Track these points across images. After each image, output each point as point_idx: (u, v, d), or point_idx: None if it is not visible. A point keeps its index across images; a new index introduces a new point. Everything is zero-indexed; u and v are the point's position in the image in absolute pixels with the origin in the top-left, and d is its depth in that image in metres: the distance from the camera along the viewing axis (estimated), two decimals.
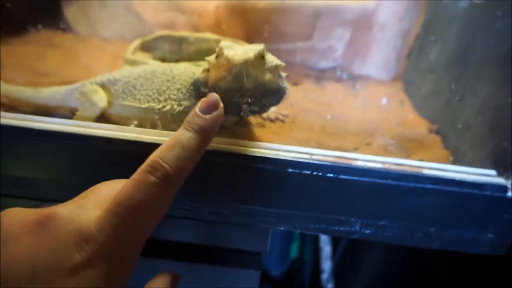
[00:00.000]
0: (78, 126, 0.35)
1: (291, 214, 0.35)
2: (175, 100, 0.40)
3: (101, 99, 0.42)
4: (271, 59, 0.34)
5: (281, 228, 0.36)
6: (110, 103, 0.42)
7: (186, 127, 0.27)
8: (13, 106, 0.44)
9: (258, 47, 0.32)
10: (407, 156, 0.44)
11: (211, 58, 0.34)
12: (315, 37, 0.61)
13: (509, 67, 0.39)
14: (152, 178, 0.24)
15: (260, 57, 0.32)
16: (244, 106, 0.34)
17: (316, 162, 0.34)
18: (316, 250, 0.94)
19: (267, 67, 0.33)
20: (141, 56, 0.56)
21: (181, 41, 0.58)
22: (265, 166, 0.34)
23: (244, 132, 0.43)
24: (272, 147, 0.35)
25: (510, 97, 0.38)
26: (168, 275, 0.28)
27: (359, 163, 0.35)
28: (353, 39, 0.62)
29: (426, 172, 0.35)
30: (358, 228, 0.36)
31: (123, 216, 0.23)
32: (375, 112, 0.55)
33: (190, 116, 0.27)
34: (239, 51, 0.32)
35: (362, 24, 0.61)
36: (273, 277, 0.92)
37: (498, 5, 0.41)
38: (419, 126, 0.52)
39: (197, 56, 0.55)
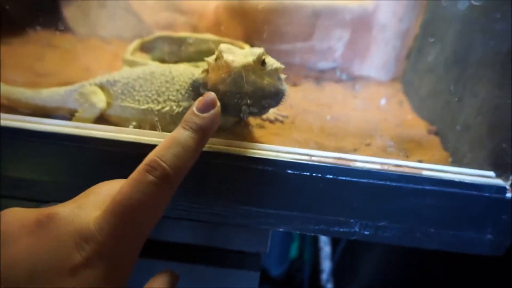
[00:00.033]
0: (77, 127, 0.36)
1: (290, 215, 0.35)
2: (174, 101, 0.40)
3: (100, 100, 0.42)
4: (271, 62, 0.34)
5: (281, 229, 0.36)
6: (109, 104, 0.42)
7: (184, 126, 0.27)
8: (13, 107, 0.44)
9: (257, 51, 0.32)
10: (406, 157, 0.44)
11: (211, 59, 0.34)
12: (315, 38, 0.61)
13: (508, 68, 0.39)
14: (150, 177, 0.24)
15: (259, 61, 0.32)
16: (243, 108, 0.34)
17: (316, 163, 0.34)
18: (316, 250, 0.94)
19: (266, 71, 0.33)
20: (140, 57, 0.56)
21: (180, 41, 0.58)
22: (264, 168, 0.34)
23: (244, 133, 0.43)
24: (272, 148, 0.35)
25: (509, 98, 0.38)
26: (167, 275, 0.28)
27: (358, 165, 0.35)
28: (352, 40, 0.62)
29: (425, 173, 0.35)
30: (357, 229, 0.36)
31: (122, 215, 0.23)
32: (375, 112, 0.55)
33: (188, 115, 0.27)
34: (238, 55, 0.32)
35: (361, 24, 0.61)
36: (272, 277, 0.92)
37: (497, 6, 0.41)
38: (418, 126, 0.52)
39: (196, 56, 0.55)
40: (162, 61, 0.54)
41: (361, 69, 0.64)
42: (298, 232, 0.36)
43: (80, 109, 0.42)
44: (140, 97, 0.41)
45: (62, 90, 0.44)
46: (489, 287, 0.46)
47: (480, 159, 0.40)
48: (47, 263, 0.21)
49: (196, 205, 0.35)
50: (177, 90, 0.40)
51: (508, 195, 0.34)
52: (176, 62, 0.53)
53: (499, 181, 0.35)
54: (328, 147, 0.44)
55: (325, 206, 0.35)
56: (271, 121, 0.47)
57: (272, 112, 0.48)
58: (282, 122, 0.48)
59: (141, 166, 0.24)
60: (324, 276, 0.88)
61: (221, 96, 0.31)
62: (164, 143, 0.26)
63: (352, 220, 0.35)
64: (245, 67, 0.31)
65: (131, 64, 0.51)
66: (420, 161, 0.40)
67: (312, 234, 0.36)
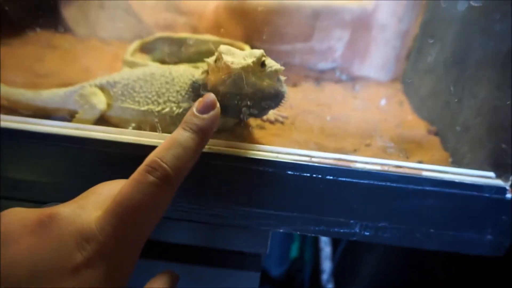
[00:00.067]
0: (77, 129, 0.36)
1: (291, 216, 0.35)
2: (174, 102, 0.40)
3: (100, 101, 0.42)
4: (271, 64, 0.34)
5: (281, 230, 0.36)
6: (109, 105, 0.42)
7: (184, 127, 0.27)
8: (13, 109, 0.44)
9: (257, 53, 0.32)
10: (406, 157, 0.44)
11: (211, 60, 0.34)
12: (315, 38, 0.61)
13: (508, 69, 0.39)
14: (151, 178, 0.24)
15: (259, 63, 0.32)
16: (243, 109, 0.34)
17: (316, 164, 0.34)
18: (316, 250, 0.94)
19: (266, 73, 0.33)
20: (140, 58, 0.56)
21: (180, 42, 0.58)
22: (265, 169, 0.34)
23: (244, 134, 0.43)
24: (272, 149, 0.35)
25: (509, 99, 0.38)
26: (167, 276, 0.28)
27: (358, 166, 0.35)
28: (352, 40, 0.62)
29: (425, 174, 0.35)
30: (357, 230, 0.36)
31: (122, 216, 0.23)
32: (375, 113, 0.55)
33: (188, 116, 0.27)
34: (238, 57, 0.32)
35: (361, 25, 0.61)
36: (273, 277, 0.92)
37: (497, 6, 0.41)
38: (418, 127, 0.52)
39: (196, 57, 0.55)
40: (162, 62, 0.54)
41: (361, 69, 0.64)
42: (298, 233, 0.37)
43: (80, 111, 0.42)
44: (140, 98, 0.41)
45: (62, 91, 0.44)
46: (489, 287, 0.46)
47: (480, 159, 0.40)
48: (48, 263, 0.22)
49: (196, 206, 0.35)
50: (177, 91, 0.40)
51: (508, 195, 0.34)
52: (176, 63, 0.53)
53: (499, 182, 0.35)
54: (328, 147, 0.44)
55: (325, 207, 0.35)
56: (271, 122, 0.47)
57: (272, 113, 0.48)
58: (282, 122, 0.48)
59: (141, 167, 0.24)
60: (325, 276, 0.88)
61: (221, 97, 0.31)
62: (164, 144, 0.26)
63: (352, 221, 0.35)
64: (245, 69, 0.31)
65: (131, 65, 0.51)
66: (420, 162, 0.40)
67: (313, 235, 0.36)
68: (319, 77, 0.63)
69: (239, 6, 0.60)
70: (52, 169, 0.36)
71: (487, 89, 0.43)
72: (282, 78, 0.36)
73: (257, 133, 0.44)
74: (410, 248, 0.36)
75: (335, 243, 0.91)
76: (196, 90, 0.37)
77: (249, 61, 0.31)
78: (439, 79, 0.53)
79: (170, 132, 0.28)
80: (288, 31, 0.60)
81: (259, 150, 0.35)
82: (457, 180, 0.35)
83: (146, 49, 0.59)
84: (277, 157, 0.34)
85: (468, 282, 0.48)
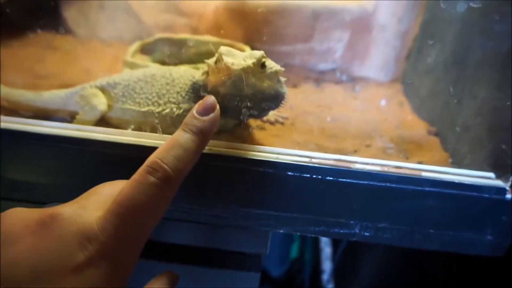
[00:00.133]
0: (78, 130, 0.36)
1: (291, 217, 0.35)
2: (174, 103, 0.40)
3: (101, 102, 0.42)
4: (271, 65, 0.34)
5: (281, 231, 0.36)
6: (110, 106, 0.42)
7: (184, 128, 0.27)
8: (13, 110, 0.45)
9: (257, 54, 0.32)
10: (406, 158, 0.44)
11: (211, 61, 0.34)
12: (315, 39, 0.61)
13: (508, 69, 0.39)
14: (151, 179, 0.24)
15: (259, 64, 0.32)
16: (243, 110, 0.34)
17: (316, 165, 0.34)
18: (317, 250, 0.95)
19: (266, 74, 0.33)
20: (141, 59, 0.56)
21: (180, 43, 0.58)
22: (265, 169, 0.34)
23: (244, 134, 0.43)
24: (272, 150, 0.35)
25: (508, 99, 0.38)
26: (167, 276, 0.28)
27: (358, 166, 0.35)
28: (352, 41, 0.62)
29: (425, 174, 0.35)
30: (357, 231, 0.36)
31: (123, 216, 0.23)
32: (375, 113, 0.55)
33: (188, 118, 0.28)
34: (238, 58, 0.32)
35: (361, 25, 0.61)
36: (273, 277, 0.92)
37: (497, 7, 0.41)
38: (418, 127, 0.52)
39: (197, 58, 0.55)
40: (163, 63, 0.54)
41: (361, 70, 0.64)
42: (298, 233, 0.37)
43: (81, 112, 0.42)
44: (140, 99, 0.41)
45: (62, 92, 0.44)
46: (489, 287, 0.46)
47: (480, 160, 0.40)
48: (50, 262, 0.22)
49: (197, 206, 0.36)
50: (178, 92, 0.40)
51: (508, 196, 0.35)
52: (176, 64, 0.53)
53: (499, 182, 0.35)
54: (328, 148, 0.44)
55: (325, 208, 0.35)
56: (271, 123, 0.47)
57: (272, 114, 0.48)
58: (282, 123, 0.48)
59: (142, 168, 0.25)
60: (325, 276, 0.88)
61: (221, 98, 0.32)
62: (165, 145, 0.26)
63: (352, 222, 0.35)
64: (245, 70, 0.31)
65: (132, 66, 0.51)
66: (420, 163, 0.40)
67: (313, 235, 0.36)
68: (319, 78, 0.63)
69: (239, 7, 0.60)
70: (53, 170, 0.36)
71: (487, 89, 0.43)
72: (282, 79, 0.36)
73: (257, 134, 0.45)
74: (410, 248, 0.36)
75: (335, 244, 0.91)
76: (196, 91, 0.37)
77: (249, 62, 0.31)
78: (439, 80, 0.54)
79: (170, 133, 0.28)
80: (288, 32, 0.60)
81: (259, 151, 0.35)
82: (457, 181, 0.35)
83: (146, 50, 0.59)
84: (277, 158, 0.35)
85: (468, 282, 0.48)
